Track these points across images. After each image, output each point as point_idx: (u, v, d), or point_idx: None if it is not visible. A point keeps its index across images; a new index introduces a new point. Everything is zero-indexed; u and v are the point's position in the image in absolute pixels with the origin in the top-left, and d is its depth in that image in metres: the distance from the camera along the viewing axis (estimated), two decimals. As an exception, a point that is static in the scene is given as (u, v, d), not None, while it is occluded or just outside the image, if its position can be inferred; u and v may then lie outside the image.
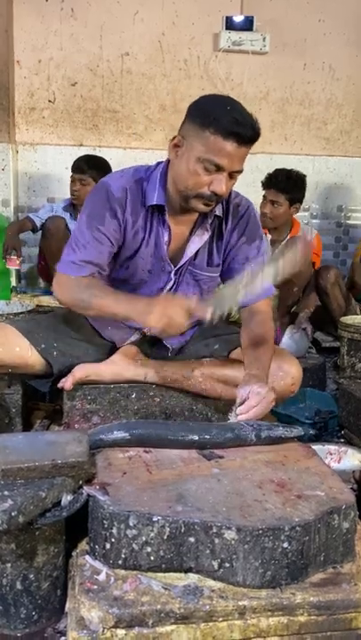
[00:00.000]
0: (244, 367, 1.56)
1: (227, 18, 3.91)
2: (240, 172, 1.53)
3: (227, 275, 1.76)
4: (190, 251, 1.69)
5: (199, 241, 1.68)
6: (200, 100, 1.56)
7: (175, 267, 1.70)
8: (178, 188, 1.58)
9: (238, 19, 3.92)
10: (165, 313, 1.46)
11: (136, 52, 3.96)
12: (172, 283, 1.73)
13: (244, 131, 1.46)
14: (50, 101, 3.93)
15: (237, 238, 1.70)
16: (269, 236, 3.29)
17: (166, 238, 1.66)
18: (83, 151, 3.87)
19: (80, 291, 1.59)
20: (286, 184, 3.10)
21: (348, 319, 2.75)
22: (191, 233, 1.68)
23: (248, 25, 3.93)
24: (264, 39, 3.95)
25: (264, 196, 3.18)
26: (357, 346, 2.57)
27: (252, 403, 1.40)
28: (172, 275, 1.71)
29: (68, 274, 1.62)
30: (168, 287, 1.73)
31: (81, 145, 3.94)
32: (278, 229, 3.25)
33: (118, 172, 1.71)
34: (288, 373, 1.64)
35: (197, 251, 1.70)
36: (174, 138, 1.56)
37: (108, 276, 1.75)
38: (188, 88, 4.04)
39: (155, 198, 1.61)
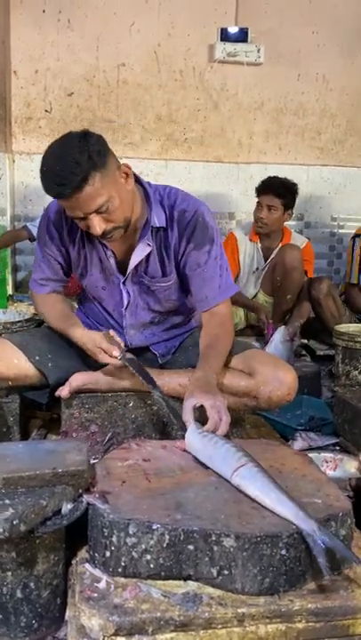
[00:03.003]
0: (197, 367, 1.61)
1: (222, 29, 3.96)
2: (105, 203, 1.50)
3: (185, 284, 1.76)
4: (133, 262, 1.70)
5: (140, 254, 1.69)
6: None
7: (122, 278, 1.73)
8: None
9: (233, 30, 3.97)
10: (94, 351, 1.66)
11: (132, 63, 4.00)
12: (126, 295, 1.76)
13: (57, 190, 1.47)
14: (46, 111, 3.96)
15: (185, 245, 1.68)
16: (259, 244, 3.31)
17: (109, 253, 1.70)
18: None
19: (45, 312, 1.86)
20: (282, 189, 3.16)
21: (343, 327, 2.78)
22: (135, 245, 1.69)
23: (243, 36, 3.97)
24: (259, 50, 4.00)
25: (259, 202, 3.22)
26: (352, 354, 2.59)
27: (215, 417, 1.39)
28: (122, 286, 1.74)
29: (35, 291, 1.88)
30: (126, 300, 1.77)
31: (77, 154, 3.97)
32: (270, 237, 3.28)
33: None
34: (284, 382, 1.65)
35: (148, 262, 1.71)
36: None
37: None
38: (183, 98, 4.08)
39: None
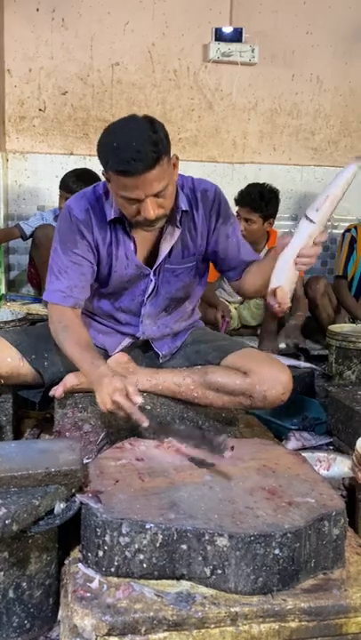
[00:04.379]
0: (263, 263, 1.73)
1: (216, 29, 3.95)
2: (164, 189, 1.52)
3: (213, 257, 1.82)
4: (164, 250, 1.72)
5: (171, 239, 1.72)
6: (99, 139, 1.55)
7: (152, 268, 1.74)
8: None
9: (227, 30, 3.96)
10: (104, 398, 1.45)
11: (126, 63, 3.99)
12: (152, 284, 1.76)
13: (131, 166, 1.46)
14: (40, 110, 3.94)
15: (215, 221, 1.76)
16: None
17: (132, 248, 1.70)
18: (73, 160, 3.89)
19: (59, 331, 1.66)
20: (260, 203, 3.09)
21: (337, 327, 2.78)
22: (162, 232, 1.71)
23: (237, 36, 3.97)
24: (253, 50, 3.99)
25: (237, 212, 3.15)
26: (346, 354, 2.60)
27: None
28: (152, 276, 1.75)
29: (56, 302, 1.69)
30: (150, 289, 1.77)
31: (71, 154, 3.96)
32: (254, 242, 3.25)
33: (80, 193, 1.75)
34: (280, 382, 1.65)
35: (172, 248, 1.73)
36: (105, 173, 1.58)
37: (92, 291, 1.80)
38: (177, 98, 4.07)
39: (112, 213, 1.66)
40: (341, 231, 4.21)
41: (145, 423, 1.42)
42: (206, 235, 1.77)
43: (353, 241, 3.47)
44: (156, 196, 1.53)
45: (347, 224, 4.00)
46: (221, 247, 1.78)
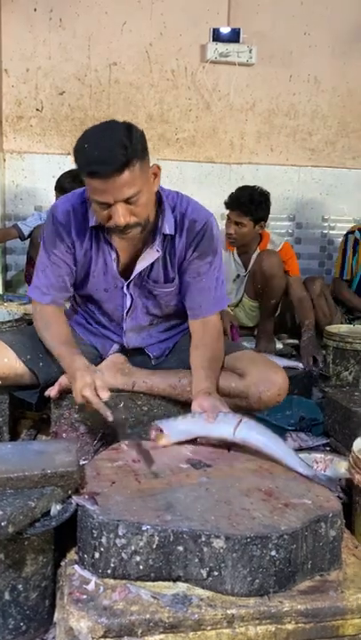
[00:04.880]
0: (199, 380, 1.60)
1: (214, 29, 3.95)
2: (135, 195, 1.49)
3: (181, 289, 1.76)
4: (139, 267, 1.70)
5: (149, 259, 1.69)
6: (76, 142, 1.53)
7: (126, 281, 1.72)
8: None
9: (225, 30, 3.97)
10: (76, 391, 1.55)
11: (124, 62, 3.99)
12: (129, 299, 1.76)
13: (99, 167, 1.44)
14: (38, 110, 3.94)
15: (191, 253, 1.70)
16: (236, 253, 3.25)
17: (114, 256, 1.69)
18: (70, 160, 3.86)
19: (41, 326, 1.74)
20: (250, 207, 3.04)
21: (334, 328, 2.78)
22: (143, 250, 1.69)
23: (235, 37, 3.97)
24: (251, 51, 4.00)
25: (228, 215, 3.13)
26: (343, 354, 2.60)
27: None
28: (125, 290, 1.74)
29: (35, 299, 1.76)
30: (128, 303, 1.77)
31: (68, 154, 3.95)
32: (246, 245, 3.23)
33: (69, 194, 1.74)
34: (275, 383, 1.66)
35: (152, 267, 1.71)
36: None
37: (76, 293, 1.84)
38: (175, 98, 4.07)
39: (94, 219, 1.64)
40: (339, 232, 4.23)
41: (109, 418, 1.51)
42: (180, 262, 1.72)
43: (356, 243, 3.49)
44: (128, 202, 1.50)
45: (344, 224, 4.01)
46: (188, 281, 1.72)
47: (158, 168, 1.59)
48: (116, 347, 1.86)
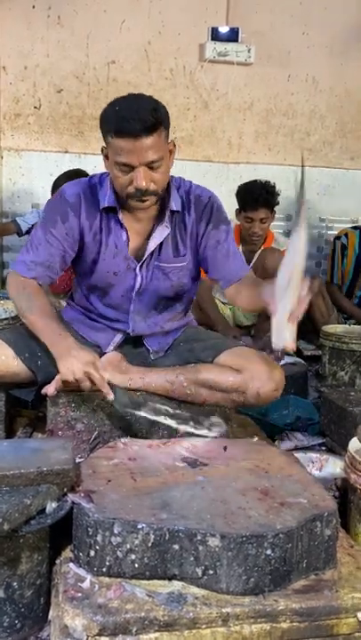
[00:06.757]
0: (256, 293, 1.62)
1: (212, 29, 3.95)
2: (158, 161, 1.56)
3: (204, 264, 1.82)
4: (151, 246, 1.74)
5: (159, 236, 1.74)
6: (103, 110, 1.61)
7: (139, 262, 1.75)
8: (118, 193, 1.67)
9: (224, 30, 3.96)
10: (74, 367, 1.52)
11: (122, 61, 3.98)
12: (140, 279, 1.77)
13: (129, 125, 1.50)
14: (35, 108, 3.93)
15: (205, 226, 1.77)
16: (240, 247, 3.27)
17: (125, 237, 1.73)
18: (68, 158, 3.88)
19: (23, 297, 1.68)
20: (271, 200, 3.11)
21: (330, 328, 2.79)
22: (152, 229, 1.74)
23: (233, 36, 3.97)
24: (249, 50, 4.00)
25: (250, 217, 3.14)
26: (339, 354, 2.60)
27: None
28: (138, 270, 1.76)
29: (18, 272, 1.72)
30: (138, 284, 1.78)
31: (66, 151, 3.95)
32: (254, 243, 3.25)
33: (76, 180, 1.81)
34: (272, 378, 1.67)
35: (161, 246, 1.75)
36: (105, 147, 1.64)
37: (78, 284, 1.86)
38: (173, 97, 4.07)
39: (106, 201, 1.70)
40: (336, 232, 4.24)
41: (110, 396, 1.55)
42: (196, 238, 1.78)
43: (344, 248, 3.56)
44: (150, 167, 1.56)
45: (341, 225, 4.03)
46: (210, 253, 1.78)
47: (174, 145, 1.67)
48: (119, 337, 1.85)
